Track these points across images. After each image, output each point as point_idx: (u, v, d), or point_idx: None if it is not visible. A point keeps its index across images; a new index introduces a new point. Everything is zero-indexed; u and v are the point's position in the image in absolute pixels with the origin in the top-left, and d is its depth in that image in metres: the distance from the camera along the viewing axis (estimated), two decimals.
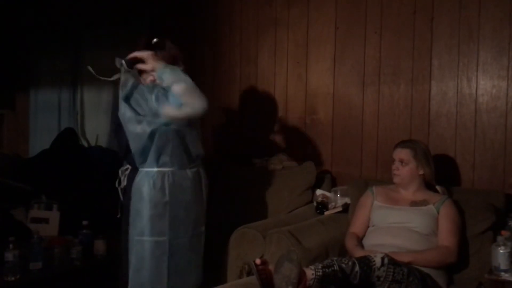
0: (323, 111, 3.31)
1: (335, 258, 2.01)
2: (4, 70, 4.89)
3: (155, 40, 2.35)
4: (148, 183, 2.28)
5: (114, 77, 2.27)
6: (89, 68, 2.28)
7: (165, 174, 2.29)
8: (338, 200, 2.96)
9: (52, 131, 4.63)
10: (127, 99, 2.25)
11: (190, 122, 2.31)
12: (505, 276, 2.10)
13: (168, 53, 2.36)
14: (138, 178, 2.31)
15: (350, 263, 1.97)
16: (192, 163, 2.36)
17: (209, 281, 2.57)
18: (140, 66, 2.23)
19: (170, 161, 2.29)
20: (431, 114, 2.94)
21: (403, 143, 2.54)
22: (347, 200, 2.88)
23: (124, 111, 2.26)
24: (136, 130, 2.23)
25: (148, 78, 2.30)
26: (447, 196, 2.50)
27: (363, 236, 2.50)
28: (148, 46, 2.33)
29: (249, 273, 2.37)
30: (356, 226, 2.53)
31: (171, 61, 2.34)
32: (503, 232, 2.21)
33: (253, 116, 3.61)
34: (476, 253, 2.41)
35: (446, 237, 2.32)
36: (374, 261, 1.99)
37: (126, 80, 2.25)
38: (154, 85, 2.26)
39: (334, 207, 2.91)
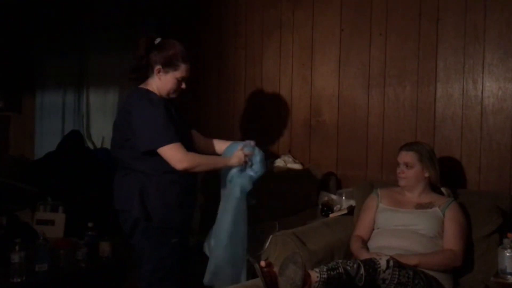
0: (328, 113, 3.31)
1: (340, 261, 2.01)
2: (11, 73, 4.92)
3: (158, 40, 2.27)
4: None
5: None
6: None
7: None
8: (343, 202, 2.95)
9: (57, 133, 4.66)
10: None
11: None
12: None
13: (167, 54, 2.23)
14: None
15: (355, 266, 1.97)
16: None
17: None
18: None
19: None
20: (437, 116, 2.93)
21: (407, 146, 2.53)
22: (352, 202, 2.88)
23: None
24: None
25: None
26: (452, 198, 2.49)
27: (368, 239, 2.48)
28: (149, 47, 2.25)
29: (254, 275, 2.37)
30: (361, 229, 2.52)
31: (165, 61, 2.23)
32: (509, 234, 2.20)
33: (258, 118, 3.61)
34: (482, 256, 2.40)
35: (452, 241, 2.31)
36: (379, 263, 1.98)
37: None
38: None
39: (339, 210, 2.91)
